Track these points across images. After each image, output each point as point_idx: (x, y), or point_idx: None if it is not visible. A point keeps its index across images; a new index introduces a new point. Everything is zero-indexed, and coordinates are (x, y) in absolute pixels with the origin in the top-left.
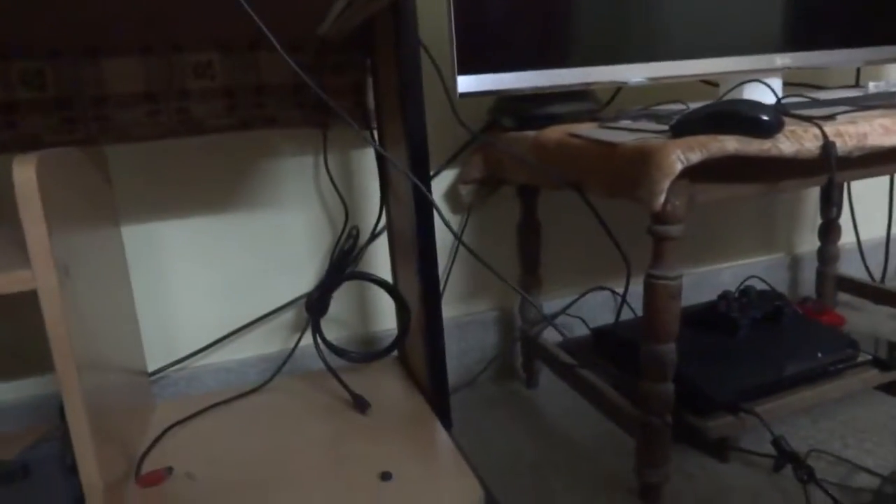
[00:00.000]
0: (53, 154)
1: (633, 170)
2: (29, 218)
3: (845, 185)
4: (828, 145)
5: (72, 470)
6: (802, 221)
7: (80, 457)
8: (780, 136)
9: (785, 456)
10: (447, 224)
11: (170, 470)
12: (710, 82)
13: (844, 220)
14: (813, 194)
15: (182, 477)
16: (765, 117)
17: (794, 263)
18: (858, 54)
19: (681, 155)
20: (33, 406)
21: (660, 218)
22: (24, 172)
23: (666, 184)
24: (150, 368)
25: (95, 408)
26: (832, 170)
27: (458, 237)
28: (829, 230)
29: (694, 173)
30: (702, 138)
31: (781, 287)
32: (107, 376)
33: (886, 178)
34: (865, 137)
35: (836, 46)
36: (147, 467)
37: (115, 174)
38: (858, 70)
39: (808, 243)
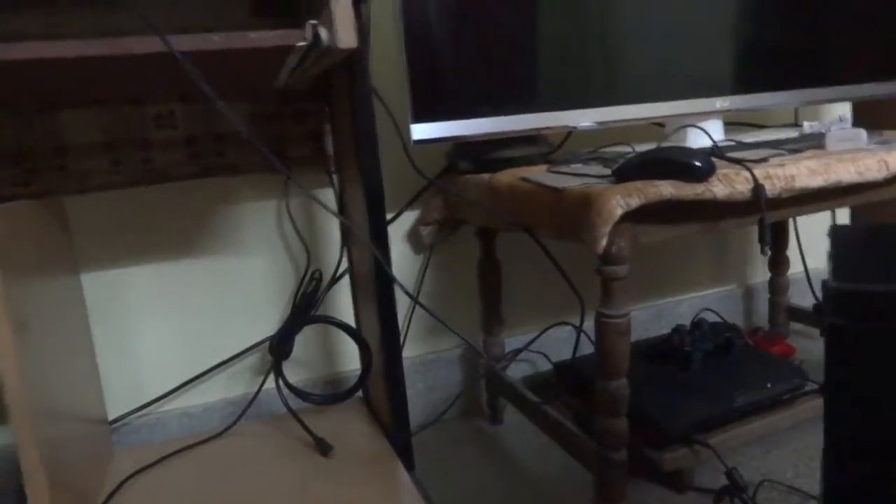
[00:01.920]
0: (7, 209)
1: (577, 214)
2: None
3: (791, 219)
4: (757, 188)
5: None
6: (753, 253)
7: None
8: (713, 180)
9: (728, 488)
10: (404, 289)
11: None
12: (658, 124)
13: (793, 251)
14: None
15: None
16: (697, 163)
17: (748, 294)
18: (794, 96)
19: (620, 200)
20: None
21: (605, 259)
22: None
23: (607, 228)
24: (113, 415)
25: (52, 459)
26: (762, 211)
27: (414, 299)
28: (777, 262)
29: (635, 216)
30: (640, 184)
31: (736, 318)
32: (64, 427)
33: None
34: (793, 179)
35: (773, 89)
36: None
37: (75, 223)
38: (797, 110)
39: (760, 274)
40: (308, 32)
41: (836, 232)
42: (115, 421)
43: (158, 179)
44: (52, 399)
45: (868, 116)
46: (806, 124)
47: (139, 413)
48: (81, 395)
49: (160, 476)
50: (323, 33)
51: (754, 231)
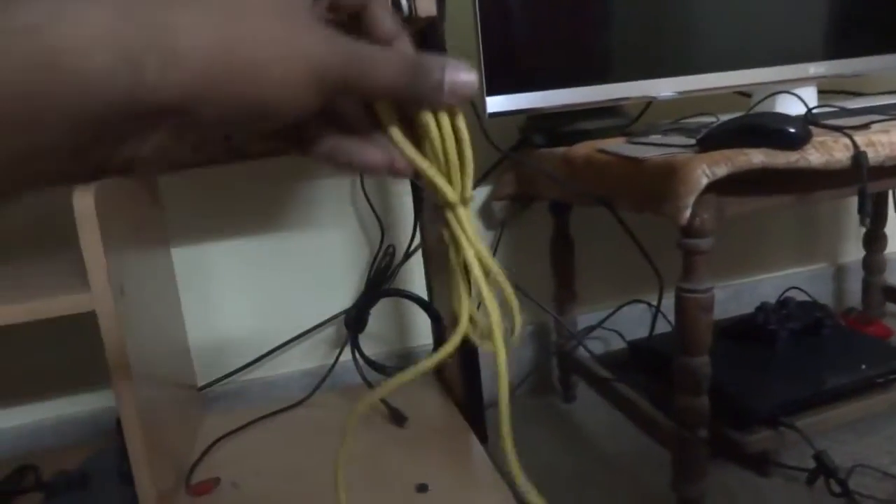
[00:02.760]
0: (109, 183)
1: (659, 185)
2: (88, 243)
3: (890, 192)
4: (858, 155)
5: (127, 479)
6: (846, 230)
7: (135, 467)
8: (808, 148)
9: (819, 469)
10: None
11: (217, 481)
12: (742, 93)
13: (892, 227)
14: (856, 202)
15: (228, 487)
16: (791, 129)
17: (839, 274)
18: (895, 60)
19: (706, 169)
20: (91, 419)
21: (688, 232)
22: (84, 200)
23: (691, 198)
24: (200, 383)
25: (149, 420)
26: (863, 180)
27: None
28: (873, 239)
29: (722, 186)
30: (728, 152)
31: (825, 298)
32: (159, 390)
33: None
34: None
35: (872, 53)
36: (196, 477)
37: (166, 200)
38: None
39: (853, 253)
40: (388, 1)
41: None
42: (203, 388)
43: (236, 157)
44: (147, 363)
45: None
46: None
47: (224, 381)
48: (173, 361)
49: (246, 440)
50: (403, 1)
51: (848, 204)
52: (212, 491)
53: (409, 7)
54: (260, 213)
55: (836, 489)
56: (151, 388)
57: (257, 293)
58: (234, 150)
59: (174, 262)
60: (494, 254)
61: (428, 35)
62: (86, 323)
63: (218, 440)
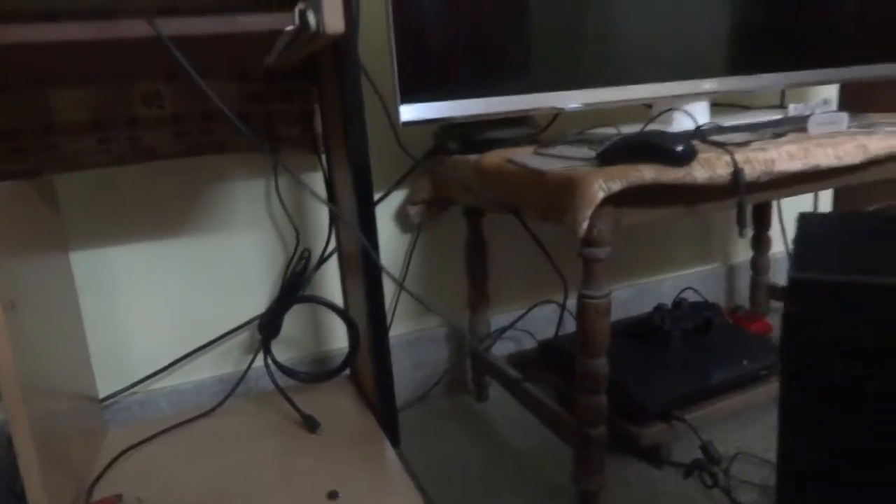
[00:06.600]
0: None
1: (560, 197)
2: None
3: (774, 201)
4: (737, 172)
5: (21, 497)
6: (736, 233)
7: (28, 484)
8: (694, 164)
9: (694, 464)
10: (391, 276)
11: (119, 497)
12: (645, 104)
13: (776, 231)
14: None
15: (133, 502)
16: (679, 148)
17: (730, 273)
18: (779, 79)
19: (602, 184)
20: None
21: (587, 242)
22: None
23: (589, 211)
24: (103, 393)
25: (43, 435)
26: (741, 195)
27: (400, 285)
28: (760, 242)
29: (618, 199)
30: (622, 168)
31: (718, 296)
32: (55, 403)
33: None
34: (773, 163)
35: (760, 71)
36: (99, 493)
37: (64, 202)
38: (783, 92)
39: (744, 254)
40: (296, 17)
41: (803, 220)
42: (106, 399)
43: (145, 157)
44: (41, 377)
45: (856, 98)
46: (791, 106)
47: (130, 391)
48: (71, 372)
49: (152, 452)
50: (311, 17)
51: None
52: None
53: (317, 24)
54: (169, 215)
55: (709, 482)
56: (45, 401)
57: (166, 298)
58: (142, 150)
59: (74, 268)
60: (410, 257)
61: (340, 47)
62: None
63: (121, 454)
